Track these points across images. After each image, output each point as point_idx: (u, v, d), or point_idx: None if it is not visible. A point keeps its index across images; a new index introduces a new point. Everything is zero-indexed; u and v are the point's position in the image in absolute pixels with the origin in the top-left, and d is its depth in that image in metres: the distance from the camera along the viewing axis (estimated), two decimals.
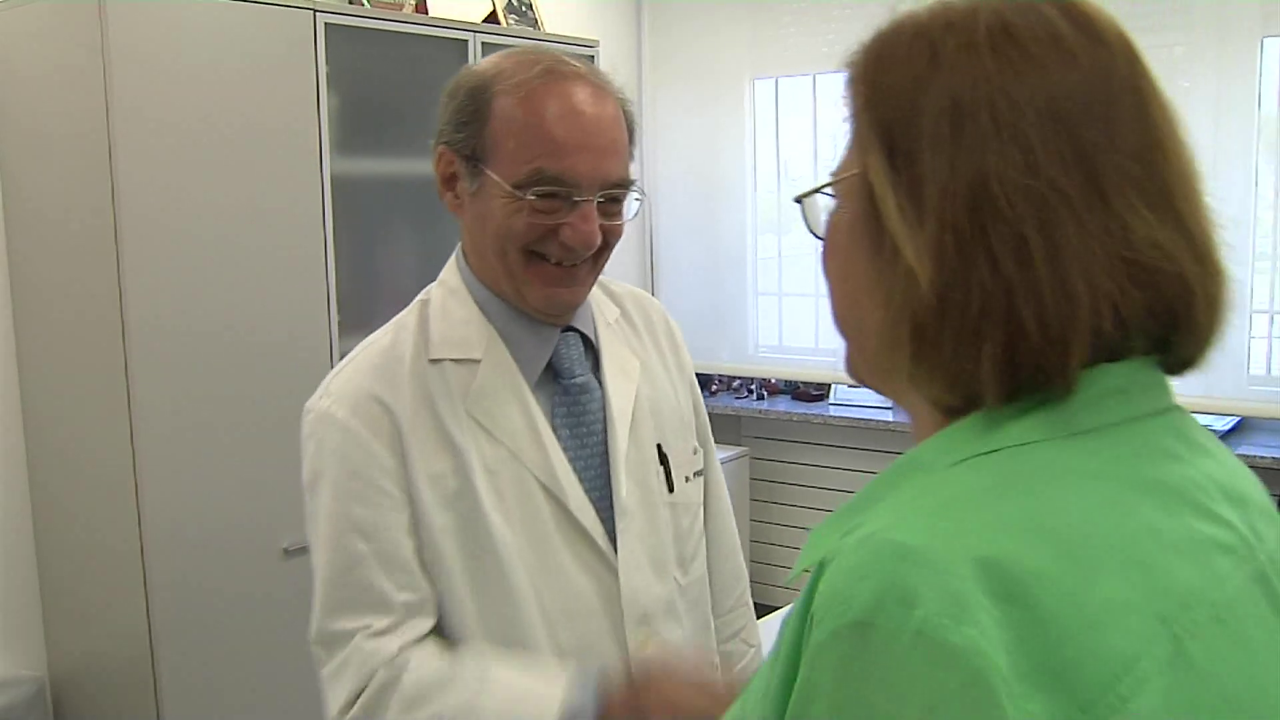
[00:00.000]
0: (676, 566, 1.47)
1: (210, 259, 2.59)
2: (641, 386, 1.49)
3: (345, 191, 2.86)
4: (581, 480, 1.39)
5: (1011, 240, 0.67)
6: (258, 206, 2.68)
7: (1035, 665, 0.60)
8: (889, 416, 4.39)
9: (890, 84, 0.76)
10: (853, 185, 0.77)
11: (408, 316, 1.43)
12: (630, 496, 1.41)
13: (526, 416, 1.37)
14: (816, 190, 0.84)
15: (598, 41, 3.65)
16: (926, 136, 0.71)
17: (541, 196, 1.30)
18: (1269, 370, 3.79)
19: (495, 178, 1.31)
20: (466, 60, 3.18)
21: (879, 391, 0.82)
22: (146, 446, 2.51)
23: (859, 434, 4.55)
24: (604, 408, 1.44)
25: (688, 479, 1.51)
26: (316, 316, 2.79)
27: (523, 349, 1.40)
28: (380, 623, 1.30)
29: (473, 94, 1.34)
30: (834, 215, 0.81)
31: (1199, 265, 0.75)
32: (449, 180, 1.39)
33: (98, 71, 2.40)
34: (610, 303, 1.58)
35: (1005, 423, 0.70)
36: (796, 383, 4.85)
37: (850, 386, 4.67)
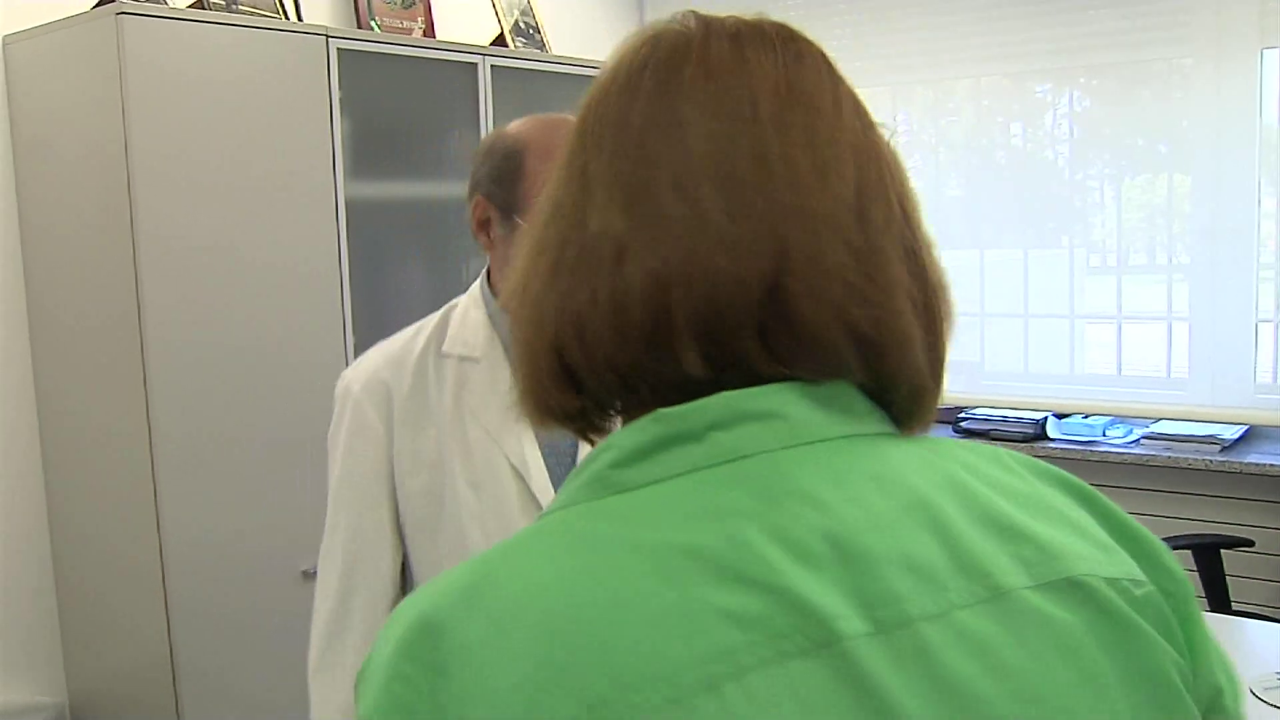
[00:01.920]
0: None
1: (227, 282, 2.63)
2: None
3: (359, 214, 2.89)
4: (549, 470, 1.61)
5: None
6: (274, 229, 2.71)
7: None
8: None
9: None
10: None
11: (433, 317, 1.70)
12: None
13: (505, 409, 1.57)
14: None
15: (604, 63, 3.69)
16: None
17: None
18: (1275, 379, 3.81)
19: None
20: (477, 83, 3.22)
21: None
22: (166, 469, 2.53)
23: None
24: None
25: None
26: (332, 338, 2.82)
27: None
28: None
29: (508, 156, 1.60)
30: None
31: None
32: (484, 224, 1.64)
33: (115, 97, 2.44)
34: None
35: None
36: None
37: None
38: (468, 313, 1.68)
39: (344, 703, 1.76)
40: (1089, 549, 0.70)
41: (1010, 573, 0.64)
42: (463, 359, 1.64)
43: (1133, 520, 0.76)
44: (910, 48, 4.29)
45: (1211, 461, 3.81)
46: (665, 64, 0.71)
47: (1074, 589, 0.66)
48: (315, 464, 2.87)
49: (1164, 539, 2.91)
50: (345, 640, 1.75)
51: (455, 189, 3.23)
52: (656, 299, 0.65)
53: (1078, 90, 4.12)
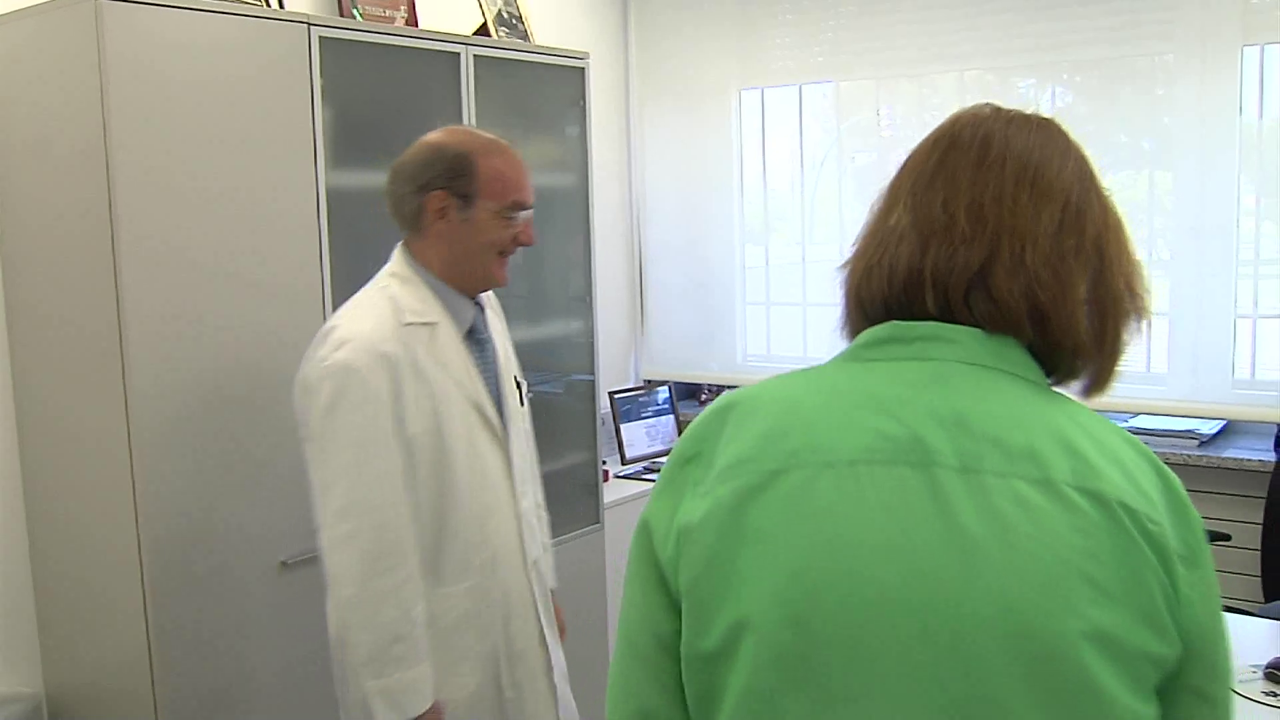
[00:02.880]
0: (531, 448, 2.44)
1: (207, 270, 2.61)
2: (503, 339, 2.41)
3: (340, 204, 2.88)
4: (488, 399, 2.26)
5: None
6: (254, 218, 2.69)
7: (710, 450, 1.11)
8: None
9: None
10: None
11: (371, 297, 2.20)
12: (511, 406, 2.34)
13: (462, 360, 2.22)
14: None
15: (588, 54, 3.68)
16: None
17: (517, 215, 2.23)
18: (1253, 374, 3.84)
19: (489, 206, 2.19)
20: (459, 73, 3.21)
21: None
22: (144, 459, 2.52)
23: None
24: (494, 353, 2.33)
25: (523, 399, 2.43)
26: (313, 328, 2.79)
27: (459, 316, 2.24)
28: None
29: (458, 159, 2.18)
30: None
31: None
32: (441, 211, 2.18)
33: (94, 83, 2.42)
34: None
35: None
36: None
37: None
38: (406, 286, 2.19)
39: (394, 617, 2.06)
40: (1129, 487, 1.00)
41: (1062, 472, 0.99)
42: (425, 324, 2.17)
43: (1186, 498, 1.05)
44: (894, 41, 4.29)
45: (1190, 456, 3.83)
46: (953, 134, 1.16)
47: (1100, 498, 0.99)
48: (295, 455, 2.87)
49: None
50: (392, 564, 2.07)
51: None
52: (915, 265, 1.09)
53: (1061, 86, 4.13)
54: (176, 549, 2.58)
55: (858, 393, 1.08)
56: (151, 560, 2.54)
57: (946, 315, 1.09)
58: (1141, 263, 1.16)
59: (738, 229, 4.82)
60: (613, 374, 4.85)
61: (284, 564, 2.77)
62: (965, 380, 1.06)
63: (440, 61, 3.19)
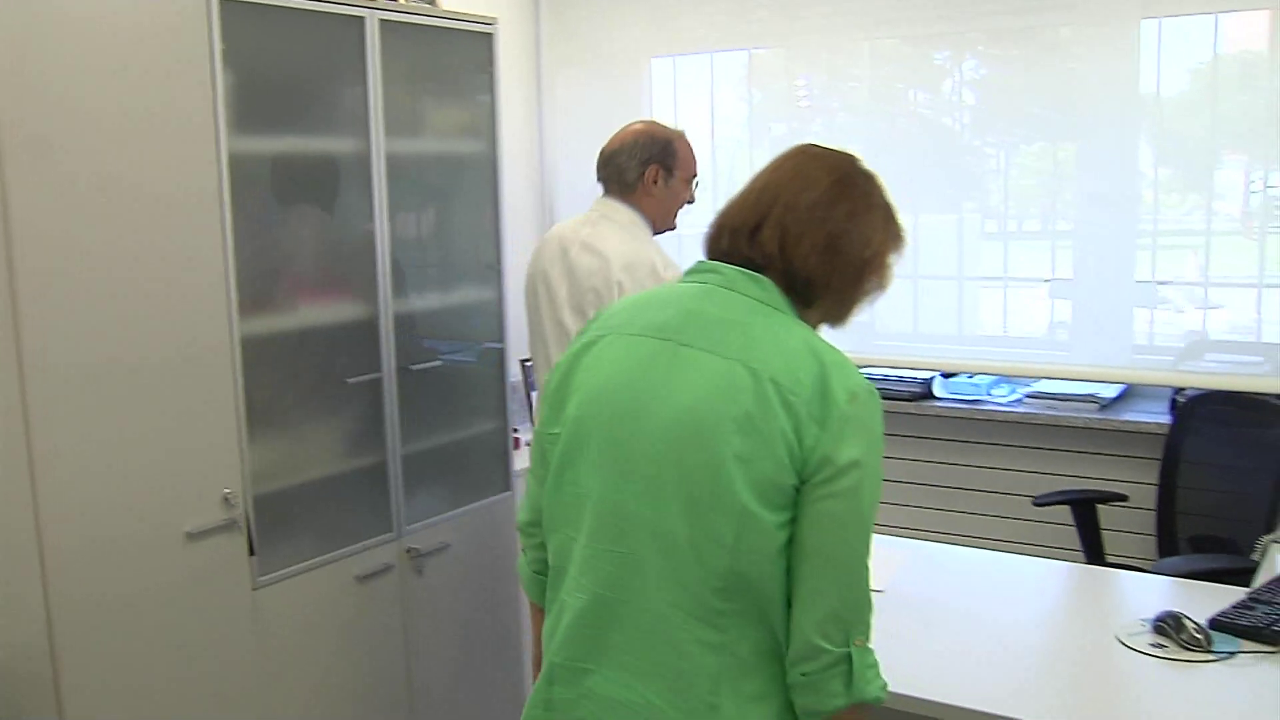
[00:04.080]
0: None
1: (104, 240, 2.54)
2: None
3: (243, 170, 2.81)
4: None
5: None
6: (153, 186, 2.62)
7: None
8: None
9: None
10: None
11: (643, 234, 3.15)
12: None
13: None
14: None
15: (495, 19, 3.64)
16: None
17: (694, 183, 3.22)
18: (1151, 341, 3.94)
19: (682, 176, 3.17)
20: (364, 37, 3.15)
21: None
22: (42, 430, 2.45)
23: None
24: None
25: None
26: (215, 297, 2.75)
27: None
28: None
29: (668, 143, 3.13)
30: None
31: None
32: (654, 179, 3.12)
33: None
34: None
35: None
36: None
37: None
38: (645, 232, 3.14)
39: None
40: (784, 370, 1.60)
41: (737, 352, 1.63)
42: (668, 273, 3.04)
43: (838, 388, 1.60)
44: (806, 9, 4.30)
45: (1090, 419, 3.93)
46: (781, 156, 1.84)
47: (756, 372, 1.60)
48: (198, 421, 2.82)
49: (1043, 494, 3.05)
50: None
51: (345, 144, 3.17)
52: (722, 222, 1.79)
53: (975, 58, 4.18)
54: (77, 520, 2.52)
55: (664, 296, 1.78)
56: (50, 532, 2.47)
57: (734, 255, 1.74)
58: (893, 248, 1.79)
59: None
60: (524, 342, 4.82)
61: (189, 535, 2.72)
62: (714, 295, 1.71)
63: (345, 25, 3.13)
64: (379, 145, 3.21)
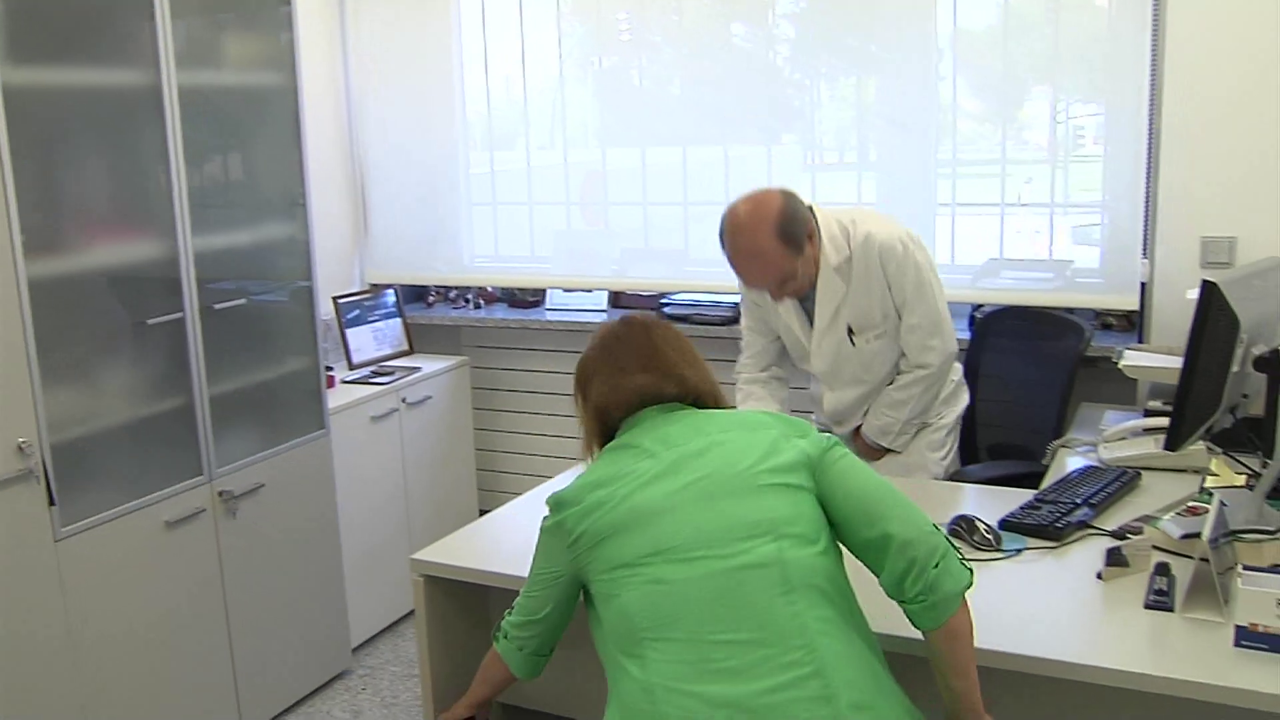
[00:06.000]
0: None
1: None
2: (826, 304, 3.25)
3: (21, 104, 2.67)
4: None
5: None
6: None
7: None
8: (600, 319, 4.49)
9: None
10: None
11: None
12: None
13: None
14: None
15: None
16: None
17: None
18: (953, 260, 4.10)
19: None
20: None
21: None
22: None
23: (573, 337, 4.64)
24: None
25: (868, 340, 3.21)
26: None
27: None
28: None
29: (805, 220, 3.10)
30: None
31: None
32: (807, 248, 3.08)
33: None
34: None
35: None
36: (513, 290, 4.90)
37: (565, 290, 4.76)
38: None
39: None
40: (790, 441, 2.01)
41: (701, 442, 2.03)
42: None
43: (794, 426, 2.06)
44: None
45: None
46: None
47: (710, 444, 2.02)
48: None
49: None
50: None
51: (133, 76, 3.04)
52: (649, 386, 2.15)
53: None
54: None
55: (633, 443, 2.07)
56: None
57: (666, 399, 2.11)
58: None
59: (461, 134, 4.76)
60: (337, 280, 4.74)
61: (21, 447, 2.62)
62: (672, 421, 2.07)
63: None
64: (170, 76, 3.08)
